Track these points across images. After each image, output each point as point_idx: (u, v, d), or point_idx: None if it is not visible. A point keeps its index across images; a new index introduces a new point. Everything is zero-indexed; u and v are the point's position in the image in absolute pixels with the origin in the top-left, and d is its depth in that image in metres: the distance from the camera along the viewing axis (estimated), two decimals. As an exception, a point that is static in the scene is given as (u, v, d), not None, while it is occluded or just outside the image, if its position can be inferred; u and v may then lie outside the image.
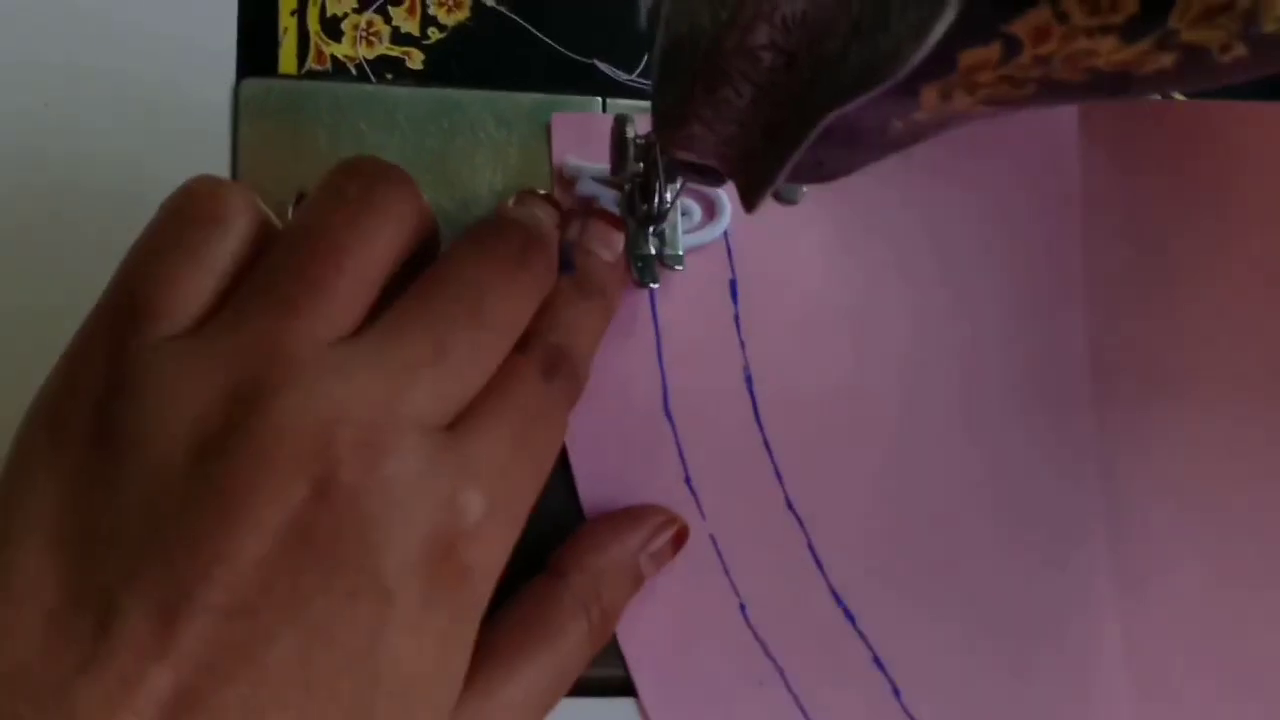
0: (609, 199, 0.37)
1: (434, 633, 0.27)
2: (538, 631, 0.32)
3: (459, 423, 0.28)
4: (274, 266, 0.28)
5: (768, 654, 0.35)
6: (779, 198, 0.36)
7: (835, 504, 0.37)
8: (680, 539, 0.36)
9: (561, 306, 0.33)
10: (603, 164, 0.36)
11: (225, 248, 0.28)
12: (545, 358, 0.31)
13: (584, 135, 0.38)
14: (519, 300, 0.31)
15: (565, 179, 0.38)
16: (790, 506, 0.37)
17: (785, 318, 0.38)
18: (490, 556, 0.28)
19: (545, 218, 0.34)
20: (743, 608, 0.36)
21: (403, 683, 0.27)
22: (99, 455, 0.26)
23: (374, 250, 0.29)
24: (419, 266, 0.30)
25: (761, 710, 0.35)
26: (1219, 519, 0.39)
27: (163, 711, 0.24)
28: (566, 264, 0.35)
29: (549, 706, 0.32)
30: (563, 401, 0.32)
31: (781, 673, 0.36)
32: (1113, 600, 0.37)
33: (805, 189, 0.36)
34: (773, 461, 0.37)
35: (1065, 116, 0.40)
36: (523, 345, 0.31)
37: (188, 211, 0.29)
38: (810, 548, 0.37)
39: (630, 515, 0.36)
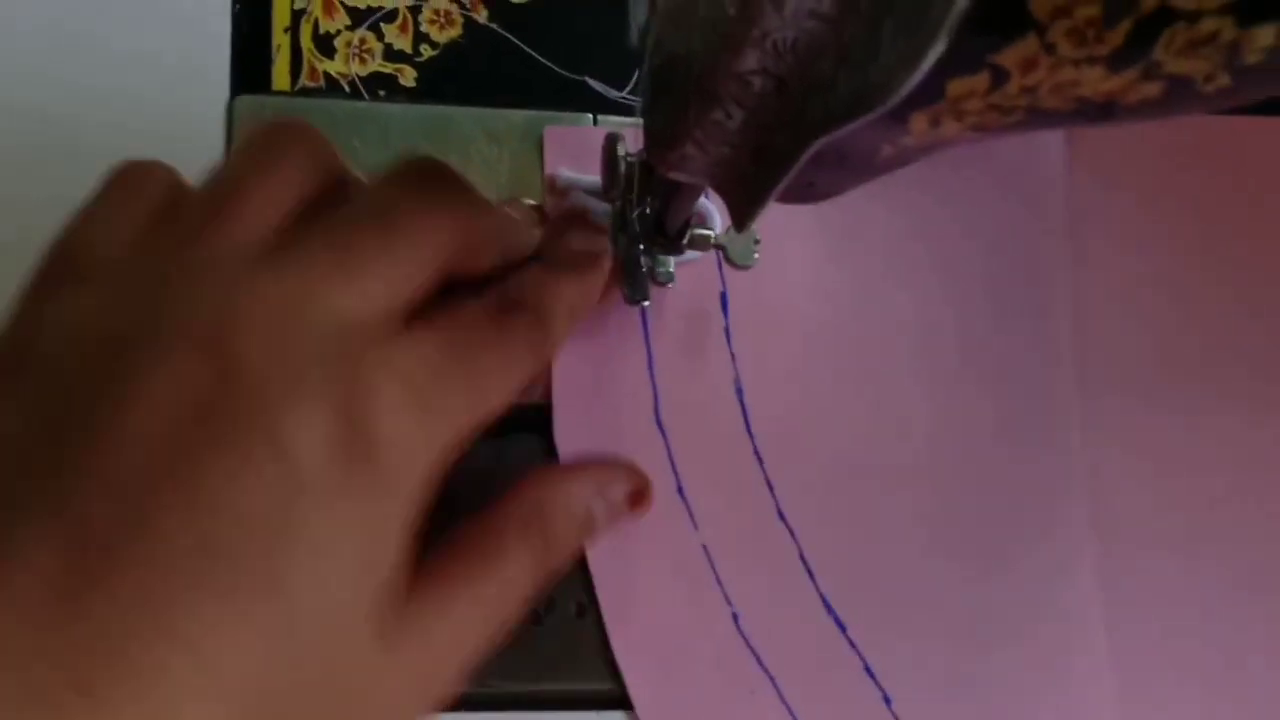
0: (601, 211, 0.37)
1: (350, 513, 0.26)
2: (477, 554, 0.31)
3: (385, 327, 0.28)
4: (184, 204, 0.29)
5: (760, 663, 0.36)
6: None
7: (826, 514, 0.37)
8: (639, 498, 0.36)
9: (526, 274, 0.33)
10: (595, 176, 0.37)
11: (139, 205, 0.29)
12: (499, 300, 0.31)
13: (576, 148, 0.38)
14: (437, 219, 0.30)
15: (558, 191, 0.38)
16: (781, 516, 0.37)
17: (776, 329, 0.38)
18: (409, 443, 0.27)
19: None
20: (735, 617, 0.36)
21: (319, 560, 0.26)
22: (7, 377, 0.27)
23: (279, 180, 0.29)
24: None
25: (754, 719, 0.36)
26: (1201, 525, 0.39)
27: (54, 591, 0.23)
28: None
29: (489, 635, 0.30)
30: (519, 340, 0.31)
31: (774, 682, 0.36)
32: (1098, 606, 0.38)
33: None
34: (764, 472, 0.37)
35: (1051, 131, 0.41)
36: (482, 294, 0.31)
37: (110, 180, 0.30)
38: (801, 557, 0.37)
39: (589, 462, 0.36)
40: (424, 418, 0.27)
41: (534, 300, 0.32)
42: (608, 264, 0.36)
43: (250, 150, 0.29)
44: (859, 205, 0.39)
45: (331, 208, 0.29)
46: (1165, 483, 0.39)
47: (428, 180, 0.30)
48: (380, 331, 0.27)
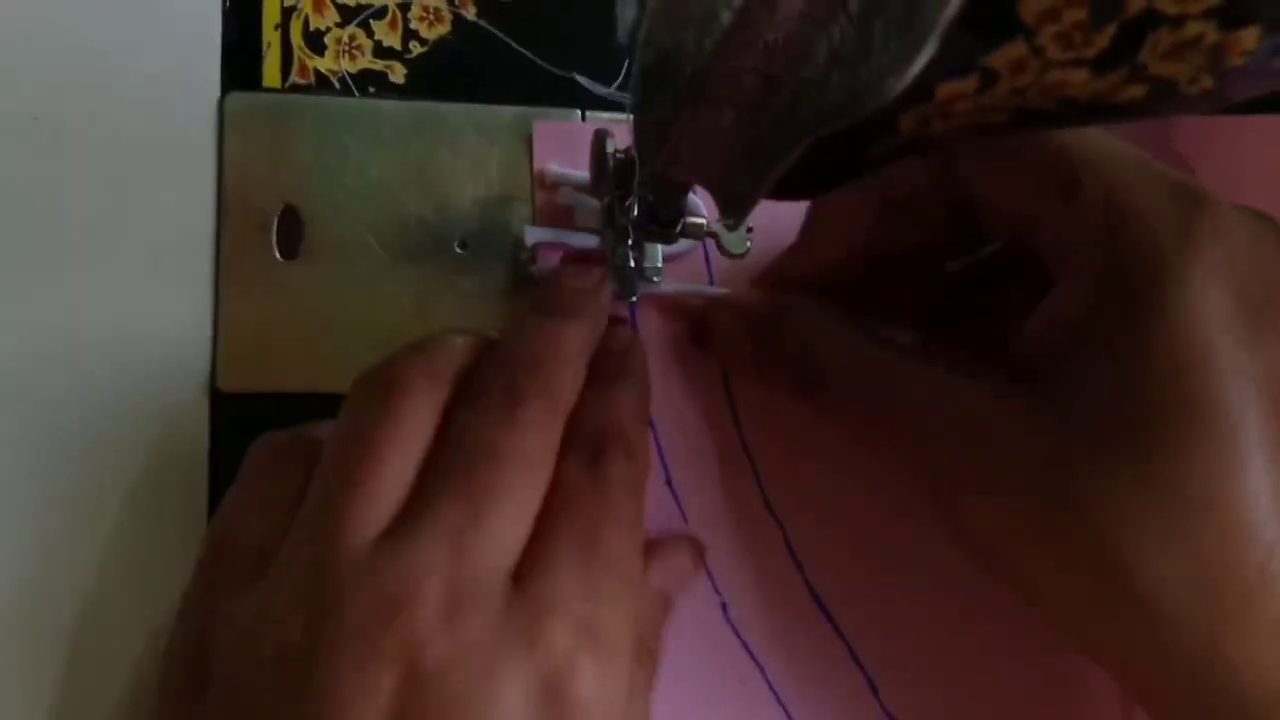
0: (590, 207, 0.38)
1: None
2: None
3: (525, 559, 0.29)
4: (321, 487, 0.30)
5: (748, 652, 0.36)
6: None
7: (812, 504, 0.38)
8: (700, 556, 0.36)
9: (588, 392, 0.33)
10: (584, 171, 0.37)
11: (281, 488, 0.31)
12: (587, 448, 0.31)
13: (565, 143, 0.38)
14: (528, 428, 0.30)
15: (546, 186, 0.38)
16: (769, 507, 0.38)
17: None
18: (602, 682, 0.28)
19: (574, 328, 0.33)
20: (724, 607, 0.37)
21: None
22: (192, 705, 0.28)
23: (405, 433, 0.30)
24: None
25: (743, 708, 0.36)
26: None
27: None
28: None
29: None
30: (624, 484, 0.31)
31: (762, 671, 0.36)
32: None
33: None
34: (751, 463, 0.38)
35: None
36: (563, 448, 0.31)
37: (250, 464, 0.32)
38: (788, 547, 0.37)
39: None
40: (606, 650, 0.28)
41: (607, 423, 0.32)
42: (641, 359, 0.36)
43: (374, 390, 0.30)
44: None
45: (436, 449, 0.30)
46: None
47: (503, 388, 0.31)
48: (522, 574, 0.29)
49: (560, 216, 0.38)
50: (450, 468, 0.29)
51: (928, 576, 0.37)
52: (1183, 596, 0.28)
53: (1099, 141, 0.30)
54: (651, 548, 0.35)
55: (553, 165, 0.38)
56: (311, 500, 0.30)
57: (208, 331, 0.36)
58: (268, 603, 0.28)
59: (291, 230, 0.36)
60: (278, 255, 0.36)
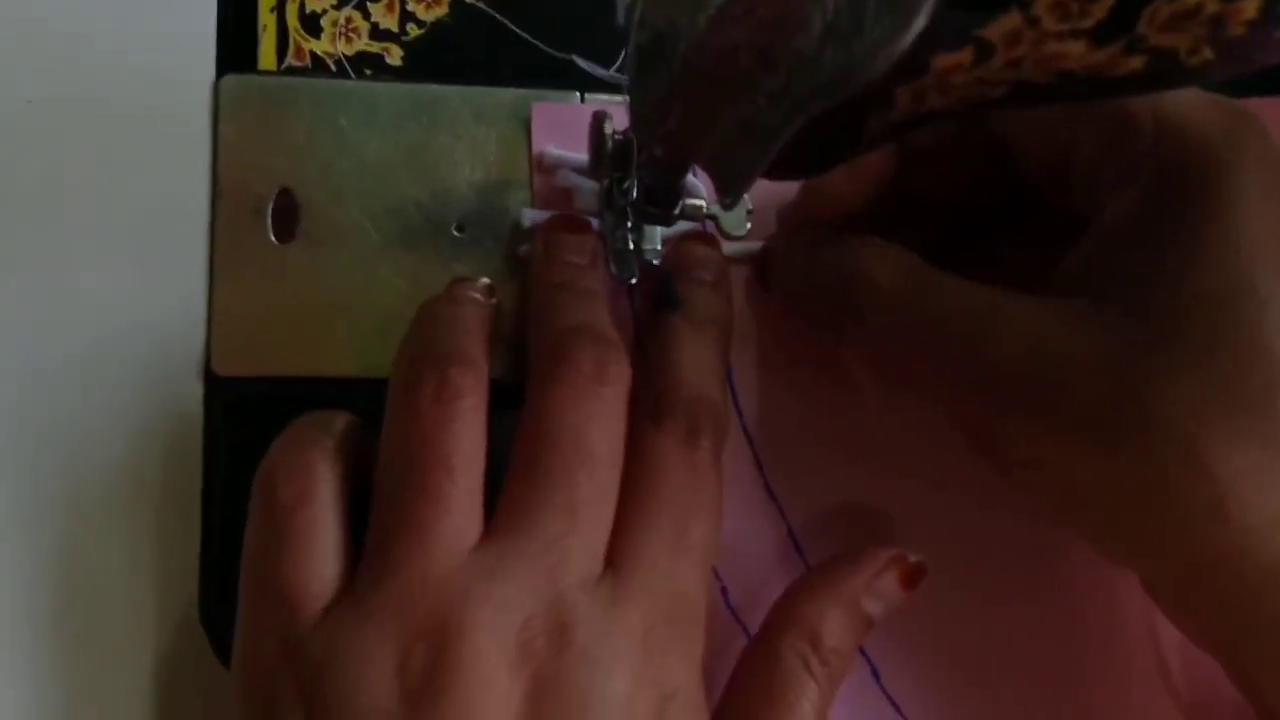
0: (588, 190, 0.37)
1: None
2: (765, 700, 0.32)
3: (617, 542, 0.30)
4: (389, 501, 0.30)
5: (749, 638, 0.36)
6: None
7: (814, 490, 0.37)
8: (912, 576, 0.35)
9: (679, 350, 0.34)
10: (583, 154, 0.37)
11: (329, 513, 0.30)
12: (686, 423, 0.32)
13: (564, 125, 0.38)
14: (612, 416, 0.31)
15: (545, 168, 0.38)
16: (770, 493, 0.37)
17: (763, 306, 0.38)
18: (687, 664, 0.30)
19: (593, 298, 0.34)
20: (725, 592, 0.36)
21: None
22: None
23: (468, 444, 0.30)
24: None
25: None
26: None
27: None
28: (671, 299, 0.35)
29: None
30: (712, 459, 0.32)
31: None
32: (1096, 565, 0.38)
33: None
34: (752, 448, 0.38)
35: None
36: (656, 413, 0.32)
37: (281, 500, 0.30)
38: (790, 533, 0.37)
39: (847, 558, 0.35)
40: (691, 632, 0.30)
41: (702, 396, 0.33)
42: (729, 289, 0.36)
43: (419, 407, 0.30)
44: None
45: (522, 448, 0.30)
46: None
47: (586, 372, 0.31)
48: (617, 568, 0.30)
49: (559, 199, 0.38)
50: (538, 462, 0.30)
51: (932, 558, 0.37)
52: (1258, 486, 0.28)
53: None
54: (866, 562, 0.35)
55: (551, 148, 0.38)
56: (387, 521, 0.29)
57: (202, 315, 0.35)
58: (373, 625, 0.28)
59: (287, 214, 0.36)
60: (273, 239, 0.36)
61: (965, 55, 0.23)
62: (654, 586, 0.30)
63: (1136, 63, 0.23)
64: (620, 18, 0.39)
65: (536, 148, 0.38)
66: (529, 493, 0.30)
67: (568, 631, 0.28)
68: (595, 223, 0.36)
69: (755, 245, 0.38)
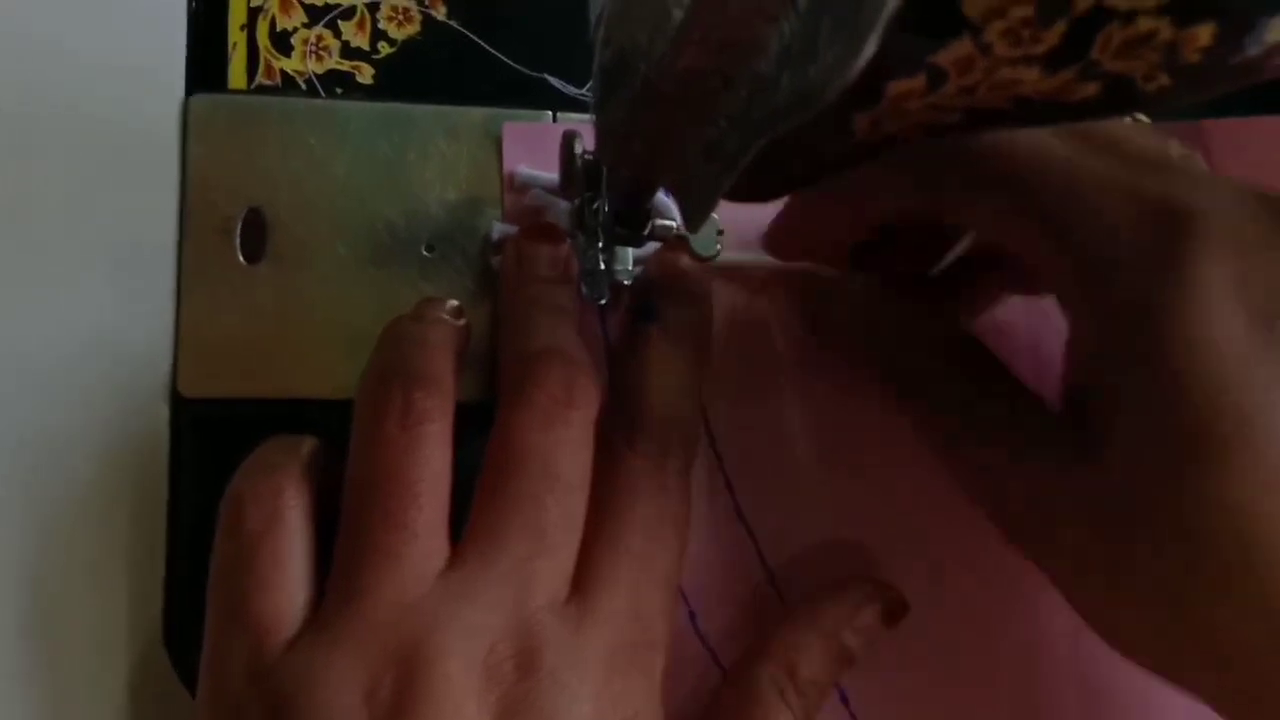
0: (560, 209, 0.37)
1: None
2: None
3: (583, 567, 0.30)
4: (355, 528, 0.29)
5: (717, 664, 0.36)
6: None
7: (785, 515, 0.37)
8: (893, 611, 0.35)
9: (655, 365, 0.33)
10: (554, 173, 0.36)
11: (297, 539, 0.30)
12: (658, 445, 0.32)
13: (535, 144, 0.38)
14: (580, 440, 0.31)
15: (516, 188, 0.38)
16: (740, 516, 0.37)
17: (735, 328, 0.38)
18: (648, 688, 0.30)
19: (563, 316, 0.34)
20: (692, 616, 0.36)
21: None
22: None
23: (434, 469, 0.30)
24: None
25: (712, 720, 0.35)
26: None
27: None
28: (649, 312, 0.35)
29: None
30: (681, 483, 0.33)
31: (733, 682, 0.36)
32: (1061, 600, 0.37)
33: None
34: (723, 471, 0.37)
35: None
36: (628, 432, 0.32)
37: (249, 527, 0.30)
38: (760, 558, 0.37)
39: (828, 591, 0.35)
40: (659, 646, 0.31)
41: (674, 416, 0.33)
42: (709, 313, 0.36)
43: (386, 433, 0.30)
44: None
45: (490, 469, 0.30)
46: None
47: (555, 395, 0.31)
48: (582, 588, 0.30)
49: (530, 219, 0.37)
50: (506, 484, 0.30)
51: (904, 587, 0.36)
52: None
53: (1063, 169, 0.28)
54: (848, 594, 0.35)
55: (522, 167, 0.37)
56: (352, 548, 0.29)
57: (169, 335, 0.35)
58: (342, 652, 0.28)
59: (256, 234, 0.36)
60: (241, 259, 0.36)
61: (918, 82, 0.22)
62: (619, 610, 0.30)
63: (1092, 89, 0.22)
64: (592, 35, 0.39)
65: (508, 167, 0.37)
66: (496, 517, 0.29)
67: (535, 655, 0.28)
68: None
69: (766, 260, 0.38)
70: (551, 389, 0.31)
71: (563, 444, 0.30)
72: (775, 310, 0.38)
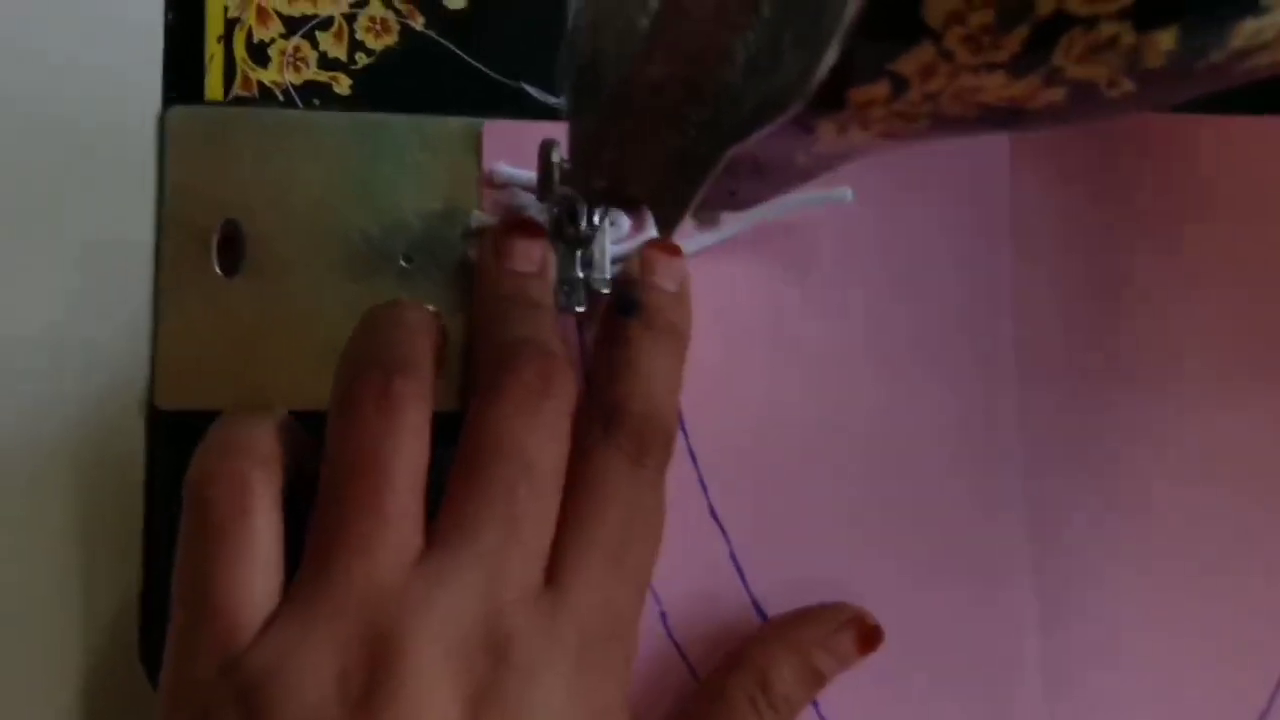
0: (538, 209, 0.37)
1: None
2: None
3: (557, 557, 0.30)
4: (329, 512, 0.29)
5: (687, 663, 0.36)
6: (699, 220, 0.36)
7: (758, 515, 0.37)
8: (868, 639, 0.35)
9: (636, 358, 0.33)
10: (533, 172, 0.36)
11: (265, 525, 0.29)
12: (636, 440, 0.32)
13: (515, 144, 0.38)
14: (555, 429, 0.31)
15: (495, 186, 0.37)
16: (713, 515, 0.37)
17: (711, 330, 0.38)
18: (616, 682, 0.30)
19: (539, 310, 0.34)
20: (663, 616, 0.36)
21: None
22: None
23: (410, 456, 0.29)
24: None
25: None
26: (1139, 525, 0.39)
27: None
28: (629, 305, 0.34)
29: None
30: (657, 479, 0.32)
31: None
32: (1035, 612, 0.37)
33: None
34: (697, 469, 0.37)
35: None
36: (606, 425, 0.32)
37: (215, 513, 0.29)
38: (732, 557, 0.37)
39: (806, 612, 0.35)
40: (631, 639, 0.31)
41: (654, 409, 0.33)
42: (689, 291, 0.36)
43: (362, 415, 0.30)
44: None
45: (464, 457, 0.30)
46: (1102, 483, 0.39)
47: (531, 384, 0.31)
48: (557, 581, 0.30)
49: (508, 214, 0.37)
50: (479, 473, 0.30)
51: (875, 590, 0.36)
52: None
53: None
54: (825, 616, 0.35)
55: (501, 164, 0.37)
56: (325, 533, 0.29)
57: (146, 348, 0.35)
58: (314, 639, 0.27)
59: (233, 245, 0.36)
60: (218, 271, 0.36)
61: (881, 88, 0.22)
62: (591, 603, 0.30)
63: (1056, 94, 0.22)
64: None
65: (487, 165, 0.37)
66: (469, 505, 0.29)
67: (507, 645, 0.28)
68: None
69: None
70: (527, 378, 0.31)
71: (536, 431, 0.30)
72: (753, 305, 0.38)
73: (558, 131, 0.35)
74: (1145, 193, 0.40)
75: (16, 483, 0.34)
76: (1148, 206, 0.40)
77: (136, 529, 0.34)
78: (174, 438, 0.35)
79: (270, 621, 0.28)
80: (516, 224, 0.36)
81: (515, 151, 0.37)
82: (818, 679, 0.34)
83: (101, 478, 0.34)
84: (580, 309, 0.36)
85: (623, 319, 0.34)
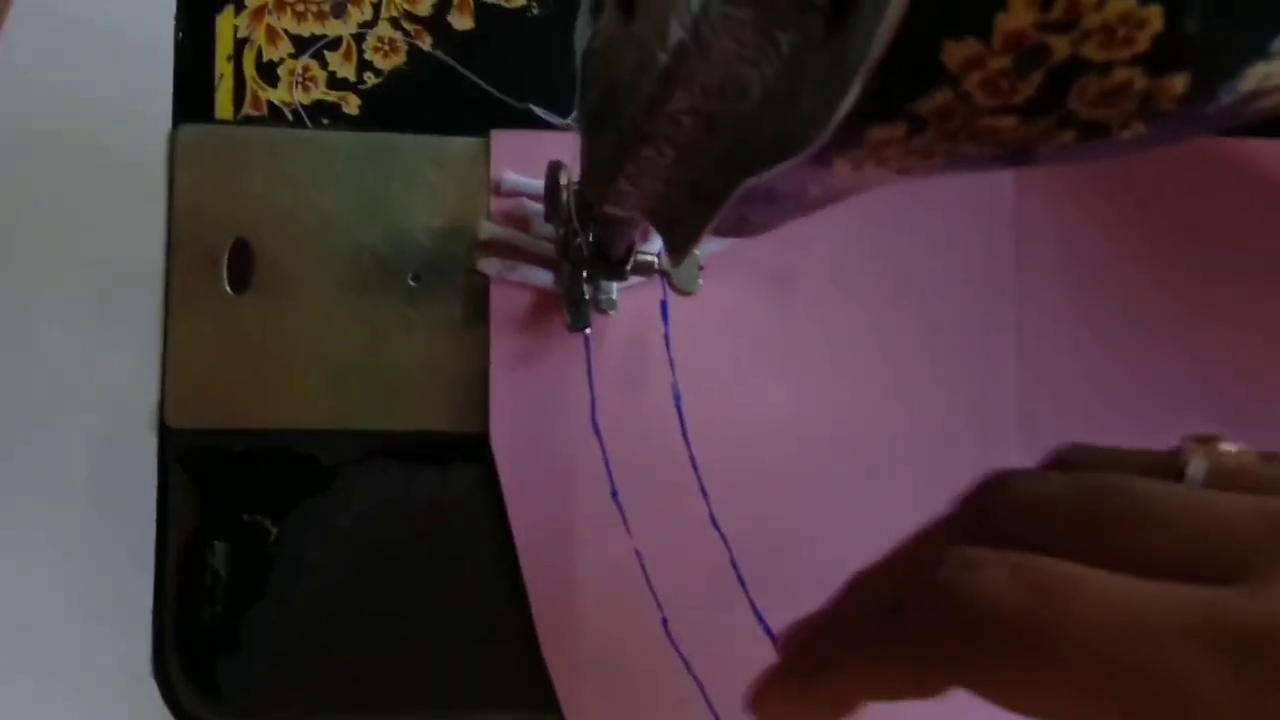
0: (545, 221, 0.37)
1: None
2: None
3: None
4: None
5: (689, 670, 0.36)
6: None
7: (758, 522, 0.37)
8: None
9: None
10: (540, 181, 0.37)
11: None
12: None
13: (523, 153, 0.38)
14: None
15: (503, 194, 0.38)
16: (714, 523, 0.37)
17: (715, 339, 0.38)
18: None
19: None
20: (665, 623, 0.36)
21: None
22: None
23: None
24: None
25: (685, 726, 0.36)
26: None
27: None
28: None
29: None
30: None
31: (703, 689, 0.36)
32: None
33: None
34: (698, 478, 0.37)
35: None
36: None
37: None
38: (733, 564, 0.37)
39: None
40: None
41: None
42: None
43: None
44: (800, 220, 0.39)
45: None
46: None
47: None
48: None
49: (516, 225, 0.38)
50: None
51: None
52: None
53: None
54: None
55: (509, 174, 0.38)
56: None
57: (156, 366, 0.35)
58: None
59: (242, 263, 0.36)
60: (228, 289, 0.36)
61: (898, 129, 0.23)
62: None
63: (1068, 136, 0.23)
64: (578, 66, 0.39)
65: (495, 174, 0.38)
66: None
67: None
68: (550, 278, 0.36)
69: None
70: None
71: None
72: (756, 315, 0.38)
73: (565, 142, 0.35)
74: (1147, 207, 0.41)
75: (28, 500, 0.34)
76: (1151, 220, 0.41)
77: (149, 546, 0.34)
78: (185, 456, 0.35)
79: None
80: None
81: (523, 161, 0.38)
82: None
83: (113, 495, 0.35)
84: (587, 330, 0.36)
85: None
